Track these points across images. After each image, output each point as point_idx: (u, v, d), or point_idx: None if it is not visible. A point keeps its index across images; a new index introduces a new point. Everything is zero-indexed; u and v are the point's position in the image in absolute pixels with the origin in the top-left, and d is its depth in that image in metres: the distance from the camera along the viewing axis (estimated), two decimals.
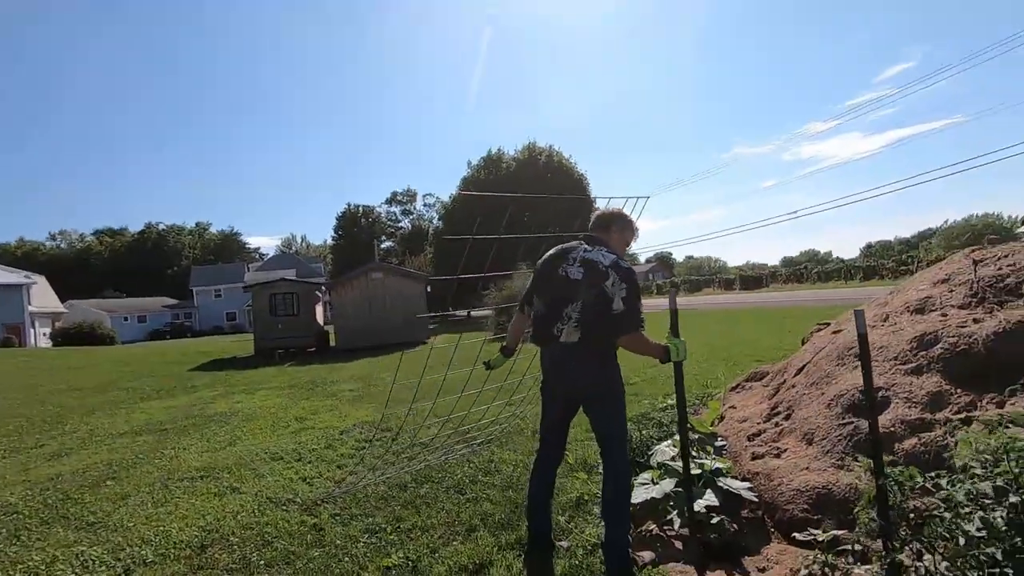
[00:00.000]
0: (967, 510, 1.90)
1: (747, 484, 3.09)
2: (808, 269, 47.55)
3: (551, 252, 2.81)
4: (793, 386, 3.67)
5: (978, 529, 1.89)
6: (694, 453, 3.42)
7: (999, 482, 1.81)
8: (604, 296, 2.51)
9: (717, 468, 3.18)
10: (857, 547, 2.37)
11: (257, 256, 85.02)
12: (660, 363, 2.67)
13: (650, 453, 3.68)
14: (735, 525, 2.78)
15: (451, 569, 2.74)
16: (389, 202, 79.59)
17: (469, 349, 10.76)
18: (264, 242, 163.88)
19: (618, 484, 2.58)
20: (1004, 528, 1.84)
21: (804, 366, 3.73)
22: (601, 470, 2.78)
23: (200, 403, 9.43)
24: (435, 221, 65.55)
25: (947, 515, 2.00)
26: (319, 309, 20.06)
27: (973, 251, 3.48)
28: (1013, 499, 1.88)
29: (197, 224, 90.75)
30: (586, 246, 2.73)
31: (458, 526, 3.29)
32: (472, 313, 43.31)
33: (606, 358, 2.60)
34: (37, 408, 9.51)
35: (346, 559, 2.97)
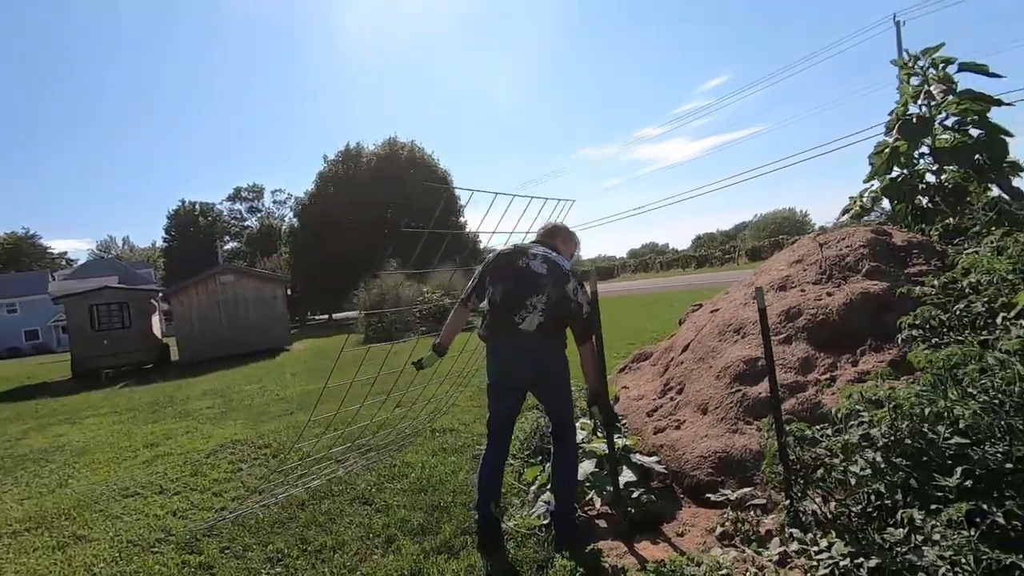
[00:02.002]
0: (855, 457, 2.20)
1: (655, 457, 3.29)
2: (652, 260, 52.59)
3: (504, 249, 2.92)
4: (682, 362, 3.99)
5: (861, 469, 2.20)
6: (601, 434, 3.56)
7: (883, 428, 2.12)
8: (567, 298, 2.71)
9: (627, 445, 3.34)
10: (761, 501, 2.64)
11: (64, 263, 71.94)
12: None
13: None
14: (652, 496, 2.94)
15: None
16: (232, 199, 72.23)
17: (332, 353, 10.22)
18: (72, 246, 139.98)
19: (573, 463, 2.79)
20: (883, 465, 2.16)
21: (689, 343, 4.08)
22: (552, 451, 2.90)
23: (4, 441, 7.72)
24: (287, 219, 61.01)
25: (837, 460, 2.30)
26: (156, 320, 17.55)
27: (817, 235, 4.09)
28: (885, 441, 2.22)
29: None
30: (544, 247, 2.89)
31: (373, 538, 3.06)
32: (334, 316, 41.19)
33: (561, 345, 2.78)
34: None
35: None
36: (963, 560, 1.71)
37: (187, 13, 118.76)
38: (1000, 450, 1.91)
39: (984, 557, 1.67)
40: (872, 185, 4.97)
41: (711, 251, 48.24)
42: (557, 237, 3.07)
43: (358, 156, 35.12)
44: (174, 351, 17.33)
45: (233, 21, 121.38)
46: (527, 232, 3.47)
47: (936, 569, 1.75)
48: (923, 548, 1.80)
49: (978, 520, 1.78)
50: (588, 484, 3.11)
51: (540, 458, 3.78)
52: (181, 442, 6.23)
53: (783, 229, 52.66)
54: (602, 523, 2.93)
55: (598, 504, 3.02)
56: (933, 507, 1.89)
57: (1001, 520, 1.73)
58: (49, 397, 12.45)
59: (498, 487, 2.86)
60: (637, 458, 3.20)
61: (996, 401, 1.96)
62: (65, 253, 78.26)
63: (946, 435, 1.99)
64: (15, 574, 3.25)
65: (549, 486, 2.98)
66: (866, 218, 4.91)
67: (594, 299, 2.86)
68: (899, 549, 1.91)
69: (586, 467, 3.10)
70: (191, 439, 6.32)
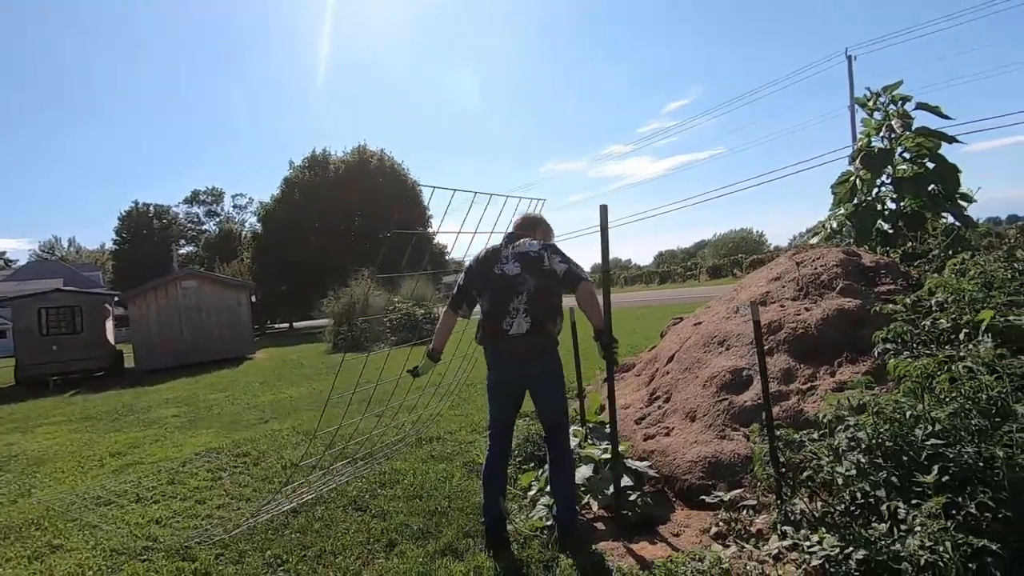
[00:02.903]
0: (842, 458, 2.39)
1: (647, 463, 3.44)
2: (616, 275, 53.55)
3: (481, 255, 2.95)
4: (667, 372, 4.17)
5: (847, 470, 2.40)
6: (593, 441, 3.69)
7: (867, 431, 2.32)
8: (546, 271, 2.73)
9: (619, 451, 3.47)
10: (752, 502, 2.82)
11: (3, 263, 67.89)
12: (595, 339, 2.88)
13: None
14: (648, 499, 3.08)
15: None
16: (189, 202, 69.87)
17: (297, 363, 10.11)
18: (11, 245, 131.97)
19: (570, 465, 2.86)
20: (867, 466, 2.36)
21: (674, 355, 4.27)
22: (547, 457, 2.95)
23: None
24: (249, 224, 59.44)
25: (824, 463, 2.50)
26: (110, 325, 16.80)
27: (794, 254, 4.36)
28: (869, 444, 2.43)
29: None
30: (514, 244, 2.87)
31: (374, 544, 3.08)
32: (295, 325, 40.17)
33: (552, 344, 2.82)
34: None
35: None
36: (941, 548, 1.90)
37: (145, 6, 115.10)
38: (971, 451, 2.13)
39: (960, 543, 1.86)
40: (839, 210, 5.35)
41: (673, 267, 49.56)
42: (538, 230, 3.03)
43: (326, 163, 34.62)
44: (128, 358, 16.62)
45: (192, 17, 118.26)
46: (491, 232, 3.49)
47: (918, 557, 1.93)
48: (906, 538, 1.99)
49: (954, 512, 1.98)
50: (584, 488, 3.23)
51: (532, 464, 3.88)
52: (151, 451, 6.04)
53: (741, 248, 54.70)
54: (600, 525, 3.05)
55: (595, 507, 3.14)
56: (914, 502, 2.09)
57: (974, 511, 1.94)
58: None
59: (503, 487, 2.93)
60: (630, 463, 3.34)
61: (966, 407, 2.18)
62: (3, 253, 73.89)
63: (923, 437, 2.20)
64: None
65: (548, 489, 3.08)
66: (834, 240, 5.26)
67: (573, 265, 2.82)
68: (884, 541, 2.10)
69: (583, 472, 3.22)
70: (161, 448, 6.13)
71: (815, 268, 4.01)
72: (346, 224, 32.91)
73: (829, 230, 5.29)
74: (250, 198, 68.55)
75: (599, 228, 3.06)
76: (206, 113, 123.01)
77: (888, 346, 3.06)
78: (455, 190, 3.41)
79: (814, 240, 5.38)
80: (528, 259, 2.78)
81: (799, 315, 3.67)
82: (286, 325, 40.55)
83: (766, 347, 3.64)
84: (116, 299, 17.93)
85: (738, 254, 44.92)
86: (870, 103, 5.22)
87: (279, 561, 3.00)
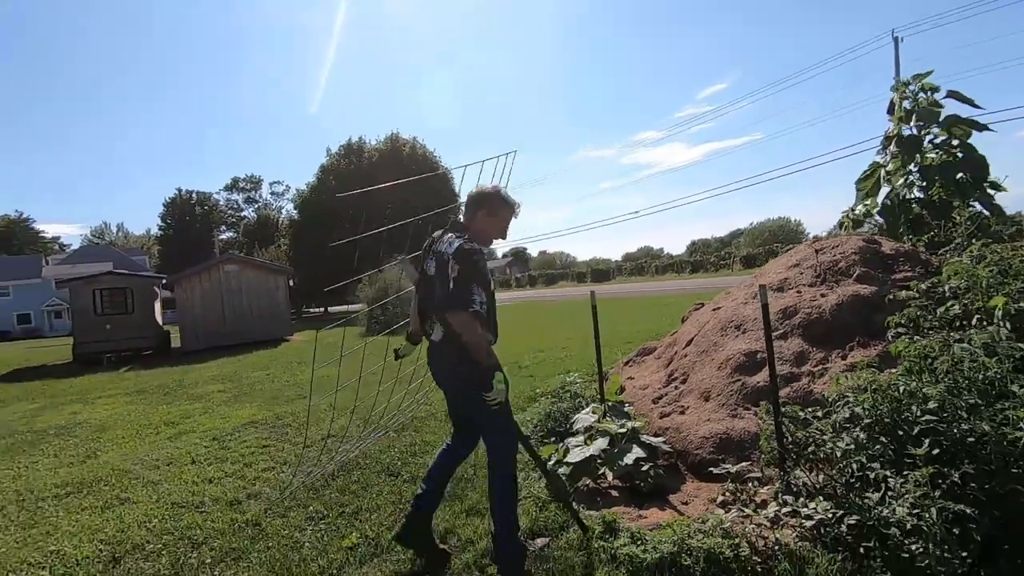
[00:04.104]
0: (843, 433, 2.54)
1: (661, 438, 3.62)
2: (647, 264, 53.08)
3: (425, 243, 2.65)
4: (686, 355, 4.33)
5: (847, 444, 2.54)
6: (611, 418, 3.88)
7: (864, 407, 2.46)
8: (448, 280, 2.34)
9: (635, 427, 3.66)
10: (757, 474, 2.98)
11: (57, 247, 71.50)
12: (481, 385, 2.32)
13: (571, 421, 4.07)
14: (660, 471, 3.27)
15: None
16: (229, 189, 72.18)
17: (334, 343, 10.48)
18: (64, 230, 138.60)
19: (500, 492, 2.48)
20: (865, 441, 2.50)
21: (692, 339, 4.42)
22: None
23: (20, 418, 7.96)
24: (286, 211, 61.02)
25: (826, 438, 2.64)
26: (158, 307, 17.73)
27: (813, 242, 4.44)
28: (867, 420, 2.56)
29: None
30: (442, 238, 2.53)
31: (405, 505, 3.35)
32: (329, 309, 41.27)
33: (465, 353, 2.35)
34: None
35: (302, 546, 2.92)
36: (926, 514, 2.05)
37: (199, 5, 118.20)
38: (964, 427, 2.25)
39: (944, 510, 2.00)
40: (865, 202, 5.35)
41: (706, 256, 48.82)
42: (481, 209, 2.54)
43: (360, 151, 35.33)
44: (175, 339, 17.52)
45: (237, 15, 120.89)
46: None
47: (905, 521, 2.08)
48: (894, 505, 2.14)
49: (939, 481, 2.12)
50: (600, 460, 3.43)
51: (554, 438, 4.10)
52: (200, 421, 6.51)
53: (778, 237, 53.38)
54: (614, 493, 3.26)
55: (610, 477, 3.34)
56: (905, 473, 2.23)
57: (957, 479, 2.07)
58: (53, 379, 12.64)
59: (440, 483, 2.78)
60: (645, 438, 3.53)
61: (961, 386, 2.30)
62: (58, 238, 77.76)
63: (918, 413, 2.33)
64: (70, 529, 3.52)
65: (565, 459, 3.31)
66: (859, 230, 5.27)
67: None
68: (876, 509, 2.25)
69: (599, 444, 3.42)
70: (210, 419, 6.59)
71: (833, 255, 4.08)
72: (379, 211, 33.53)
73: (851, 220, 5.30)
74: (287, 185, 70.31)
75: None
76: (249, 102, 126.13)
77: (900, 330, 3.16)
78: (506, 155, 3.12)
79: (840, 231, 5.40)
80: (440, 261, 2.41)
81: (814, 301, 3.77)
82: (321, 309, 41.67)
83: (781, 331, 3.76)
84: (164, 282, 18.87)
85: (774, 243, 43.93)
86: (899, 91, 5.19)
87: (320, 516, 3.31)
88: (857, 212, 5.36)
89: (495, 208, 2.55)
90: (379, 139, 35.57)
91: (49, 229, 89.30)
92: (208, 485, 4.10)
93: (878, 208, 5.21)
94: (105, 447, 5.70)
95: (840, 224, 5.51)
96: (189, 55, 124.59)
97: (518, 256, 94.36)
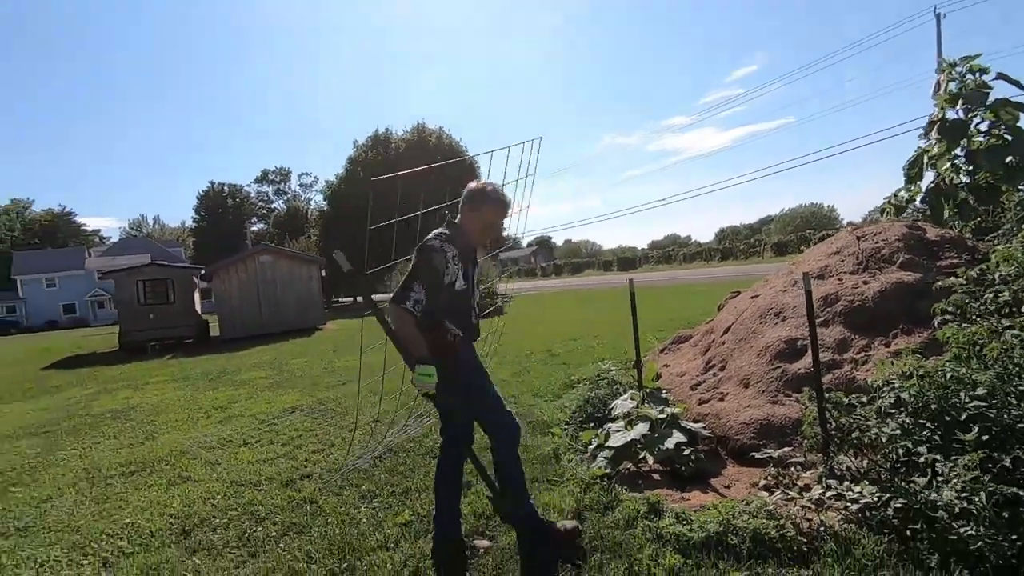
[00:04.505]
0: (888, 419, 2.56)
1: (700, 424, 3.68)
2: (675, 252, 52.44)
3: None
4: (723, 343, 4.36)
5: (892, 429, 2.57)
6: (649, 404, 3.95)
7: (910, 392, 2.48)
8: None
9: (674, 413, 3.73)
10: (799, 459, 3.02)
11: (98, 239, 74.18)
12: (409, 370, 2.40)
13: (610, 407, 4.16)
14: (701, 456, 3.34)
15: (466, 517, 2.98)
16: (260, 181, 73.68)
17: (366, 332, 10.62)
18: (104, 223, 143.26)
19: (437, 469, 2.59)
20: (911, 426, 2.52)
21: (730, 326, 4.44)
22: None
23: (77, 403, 8.41)
24: (314, 202, 62.06)
25: (871, 423, 2.67)
26: (197, 297, 18.35)
27: (855, 229, 4.39)
28: (913, 406, 2.58)
29: (13, 201, 76.29)
30: (439, 230, 2.51)
31: None
32: (358, 299, 42.01)
33: (434, 349, 2.39)
34: None
35: (359, 522, 3.08)
36: (976, 497, 2.08)
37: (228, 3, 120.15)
38: (1015, 413, 2.26)
39: (994, 493, 2.03)
40: (909, 187, 5.25)
41: (735, 244, 48.00)
42: (465, 205, 2.53)
43: (387, 141, 35.67)
44: (214, 328, 18.12)
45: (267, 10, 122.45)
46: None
47: (954, 505, 2.11)
48: (942, 488, 2.17)
49: (990, 466, 2.14)
50: (640, 444, 3.51)
51: (592, 424, 4.19)
52: (247, 405, 6.79)
53: (810, 224, 52.08)
54: (656, 476, 3.34)
55: (651, 461, 3.42)
56: (953, 458, 2.26)
57: (1008, 464, 2.09)
58: (103, 366, 13.25)
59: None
60: (684, 423, 3.59)
61: (1012, 372, 2.30)
62: (99, 231, 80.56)
63: (966, 399, 2.34)
64: (140, 504, 3.77)
65: (603, 444, 3.40)
66: (902, 216, 5.19)
67: (632, 300, 3.07)
68: (923, 493, 2.28)
69: (640, 429, 3.50)
70: (256, 403, 6.87)
71: (876, 242, 4.05)
72: (411, 203, 33.89)
73: (893, 206, 5.21)
74: (315, 177, 71.47)
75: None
76: (277, 95, 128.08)
77: (947, 317, 3.14)
78: (532, 141, 3.29)
79: (881, 218, 5.31)
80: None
81: (856, 288, 3.76)
82: (350, 299, 42.44)
83: (822, 319, 3.77)
84: (202, 273, 19.49)
85: (806, 230, 42.91)
86: (946, 73, 5.05)
87: (371, 495, 3.48)
88: (900, 197, 5.27)
89: (477, 204, 2.50)
90: (406, 130, 35.83)
91: (89, 222, 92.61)
92: (263, 465, 4.31)
93: (922, 194, 5.11)
94: (161, 429, 6.01)
95: (882, 210, 5.42)
96: (189, 55, 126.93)
97: (543, 245, 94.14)
